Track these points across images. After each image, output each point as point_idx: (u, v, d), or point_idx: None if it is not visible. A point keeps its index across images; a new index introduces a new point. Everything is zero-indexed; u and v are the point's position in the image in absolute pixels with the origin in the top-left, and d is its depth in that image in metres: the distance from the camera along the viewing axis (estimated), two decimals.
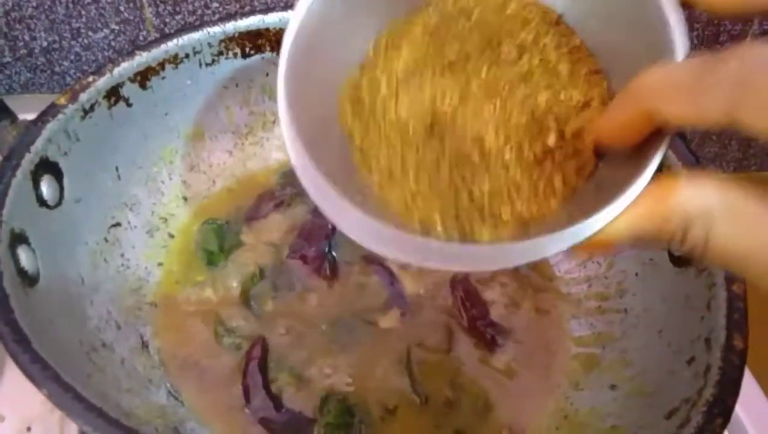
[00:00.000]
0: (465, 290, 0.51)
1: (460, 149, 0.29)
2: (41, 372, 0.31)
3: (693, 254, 0.23)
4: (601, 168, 0.28)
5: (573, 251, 0.26)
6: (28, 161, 0.41)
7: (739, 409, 0.50)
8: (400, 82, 0.30)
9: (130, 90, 0.49)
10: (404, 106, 0.30)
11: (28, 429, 0.48)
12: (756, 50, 0.20)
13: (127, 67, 0.48)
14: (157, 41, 0.50)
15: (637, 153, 0.25)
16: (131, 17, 0.72)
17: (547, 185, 0.28)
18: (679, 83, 0.22)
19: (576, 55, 0.29)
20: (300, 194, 0.56)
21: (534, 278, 0.52)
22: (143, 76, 0.49)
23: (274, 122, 0.59)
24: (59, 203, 0.44)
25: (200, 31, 0.51)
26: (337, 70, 0.31)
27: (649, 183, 0.24)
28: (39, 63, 0.75)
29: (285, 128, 0.27)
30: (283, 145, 0.59)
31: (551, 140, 0.28)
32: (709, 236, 0.22)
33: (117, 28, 0.72)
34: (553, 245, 0.25)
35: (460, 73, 0.29)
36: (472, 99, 0.29)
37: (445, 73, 0.30)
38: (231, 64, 0.55)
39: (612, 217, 0.24)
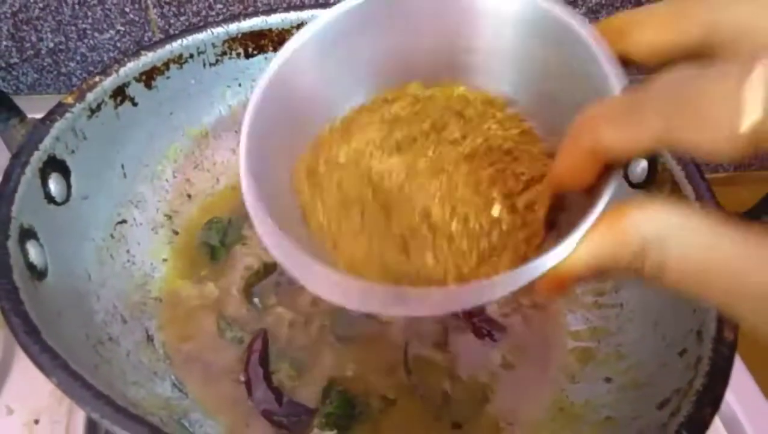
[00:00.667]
0: None
1: (408, 222, 0.29)
2: (51, 361, 0.32)
3: (654, 280, 0.23)
4: (556, 229, 0.29)
5: (532, 289, 0.25)
6: (37, 158, 0.42)
7: (732, 399, 0.51)
8: (351, 161, 0.31)
9: (135, 90, 0.50)
10: (353, 183, 0.30)
11: (36, 421, 0.49)
12: (681, 71, 0.21)
13: (132, 67, 0.49)
14: (162, 42, 0.51)
15: (593, 197, 0.25)
16: (136, 18, 0.73)
17: (494, 254, 0.28)
18: (615, 110, 0.23)
19: (526, 137, 0.30)
20: None
21: None
22: (149, 76, 0.51)
23: None
24: (67, 200, 0.45)
25: (204, 32, 0.53)
26: (292, 146, 0.32)
27: (604, 211, 0.24)
28: (45, 64, 0.76)
29: (248, 196, 0.28)
30: None
31: (496, 211, 0.29)
32: (665, 256, 0.22)
33: (122, 29, 0.74)
34: (504, 286, 0.25)
35: (407, 154, 0.30)
36: (418, 176, 0.30)
37: (393, 154, 0.31)
38: (234, 64, 0.56)
39: (562, 256, 0.24)
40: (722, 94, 0.19)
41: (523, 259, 0.28)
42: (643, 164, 0.48)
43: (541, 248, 0.28)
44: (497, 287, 0.25)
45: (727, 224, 0.21)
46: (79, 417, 0.49)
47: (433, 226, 0.29)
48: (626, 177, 0.50)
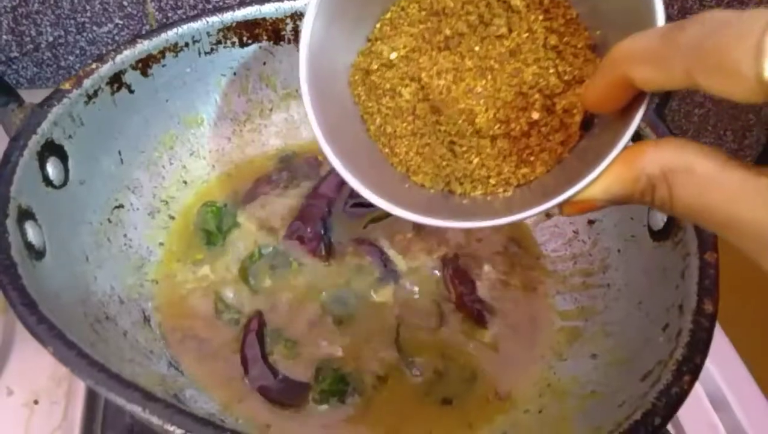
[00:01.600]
0: (454, 269, 0.52)
1: (454, 122, 0.32)
2: (47, 331, 0.32)
3: (664, 209, 0.25)
4: (588, 137, 0.31)
5: (558, 210, 0.28)
6: (35, 142, 0.43)
7: (713, 367, 0.52)
8: (402, 60, 0.33)
9: (132, 77, 0.51)
10: (405, 85, 0.33)
11: (35, 402, 0.50)
12: (712, 16, 0.22)
13: (129, 54, 0.50)
14: (158, 30, 0.52)
15: (622, 117, 0.27)
16: (134, 12, 0.74)
17: (532, 155, 0.31)
18: (646, 50, 0.24)
19: (571, 28, 0.31)
20: (295, 178, 0.58)
21: (522, 257, 0.54)
22: (144, 64, 0.52)
23: (271, 110, 0.61)
24: (64, 183, 0.45)
25: (199, 21, 0.54)
26: (345, 62, 0.34)
27: (623, 149, 0.26)
28: (45, 58, 0.77)
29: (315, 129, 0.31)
30: (279, 132, 0.61)
31: (535, 115, 0.31)
32: (672, 193, 0.24)
33: (121, 22, 0.75)
34: (535, 211, 0.29)
35: (455, 50, 0.32)
36: (465, 76, 0.32)
37: (442, 51, 0.32)
38: (229, 53, 0.57)
39: (586, 186, 0.27)
40: (746, 43, 0.20)
41: (558, 160, 0.31)
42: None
43: (576, 148, 0.30)
44: (528, 213, 0.29)
45: (730, 165, 0.23)
46: (78, 398, 0.50)
47: (477, 128, 0.31)
48: None
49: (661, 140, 0.25)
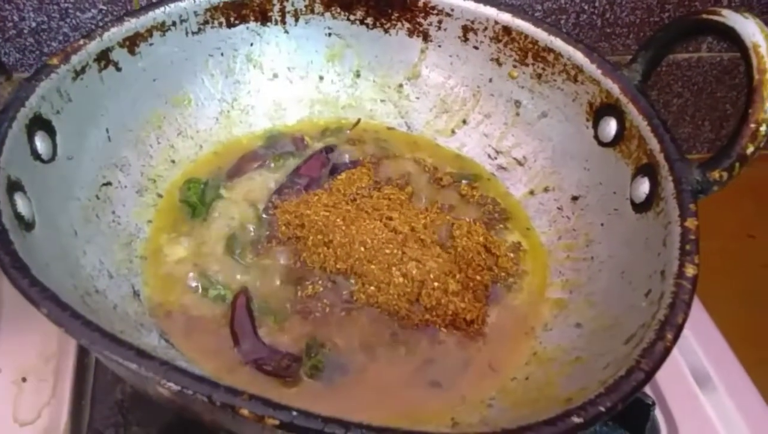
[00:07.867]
0: None
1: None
2: (40, 293, 0.33)
3: None
4: None
5: None
6: (23, 115, 0.43)
7: (695, 343, 0.54)
8: None
9: (119, 55, 0.51)
10: None
11: (24, 379, 0.50)
12: None
13: (116, 32, 0.50)
14: (145, 8, 0.52)
15: None
16: None
17: None
18: None
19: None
20: (281, 156, 0.58)
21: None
22: (132, 42, 0.52)
23: (258, 91, 0.61)
24: (52, 158, 0.45)
25: (186, 0, 0.54)
26: None
27: None
28: (28, 44, 0.76)
29: None
30: (267, 112, 0.61)
31: None
32: None
33: (105, 8, 0.74)
34: None
35: None
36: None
37: None
38: (216, 33, 0.57)
39: None
40: None
41: None
42: (612, 122, 0.50)
43: None
44: None
45: None
46: (67, 375, 0.50)
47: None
48: (596, 137, 0.52)
49: None
